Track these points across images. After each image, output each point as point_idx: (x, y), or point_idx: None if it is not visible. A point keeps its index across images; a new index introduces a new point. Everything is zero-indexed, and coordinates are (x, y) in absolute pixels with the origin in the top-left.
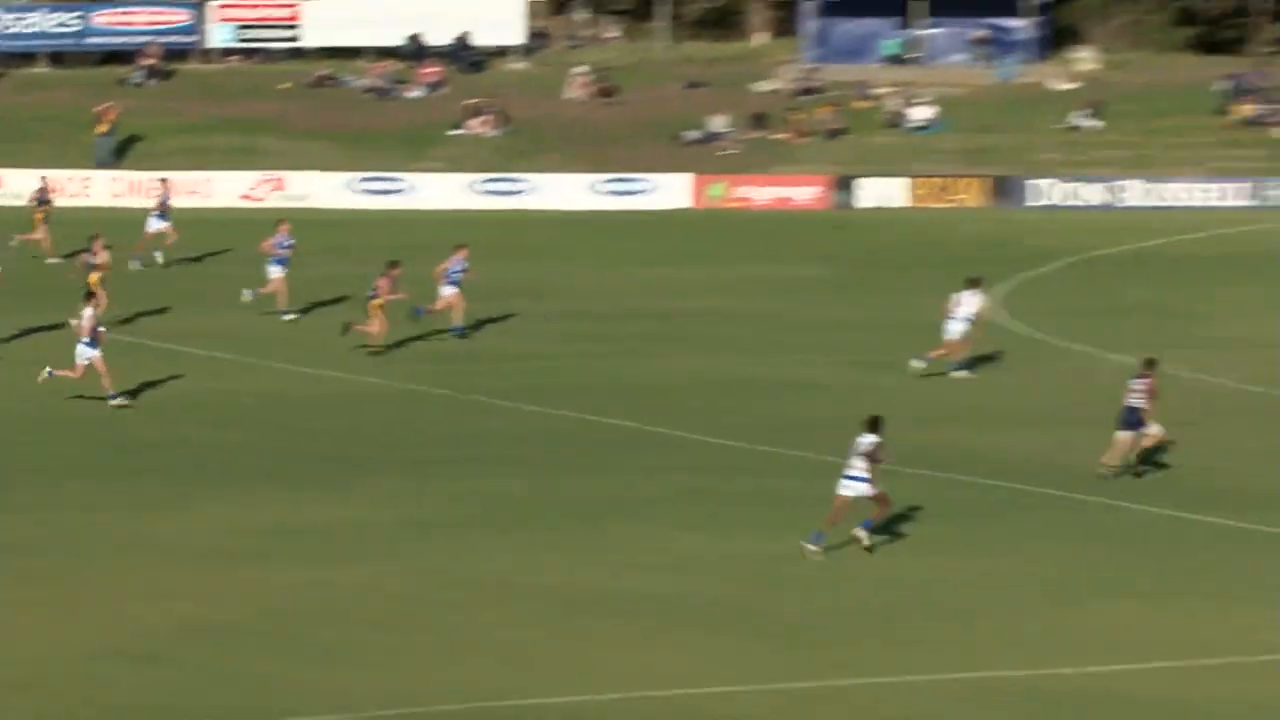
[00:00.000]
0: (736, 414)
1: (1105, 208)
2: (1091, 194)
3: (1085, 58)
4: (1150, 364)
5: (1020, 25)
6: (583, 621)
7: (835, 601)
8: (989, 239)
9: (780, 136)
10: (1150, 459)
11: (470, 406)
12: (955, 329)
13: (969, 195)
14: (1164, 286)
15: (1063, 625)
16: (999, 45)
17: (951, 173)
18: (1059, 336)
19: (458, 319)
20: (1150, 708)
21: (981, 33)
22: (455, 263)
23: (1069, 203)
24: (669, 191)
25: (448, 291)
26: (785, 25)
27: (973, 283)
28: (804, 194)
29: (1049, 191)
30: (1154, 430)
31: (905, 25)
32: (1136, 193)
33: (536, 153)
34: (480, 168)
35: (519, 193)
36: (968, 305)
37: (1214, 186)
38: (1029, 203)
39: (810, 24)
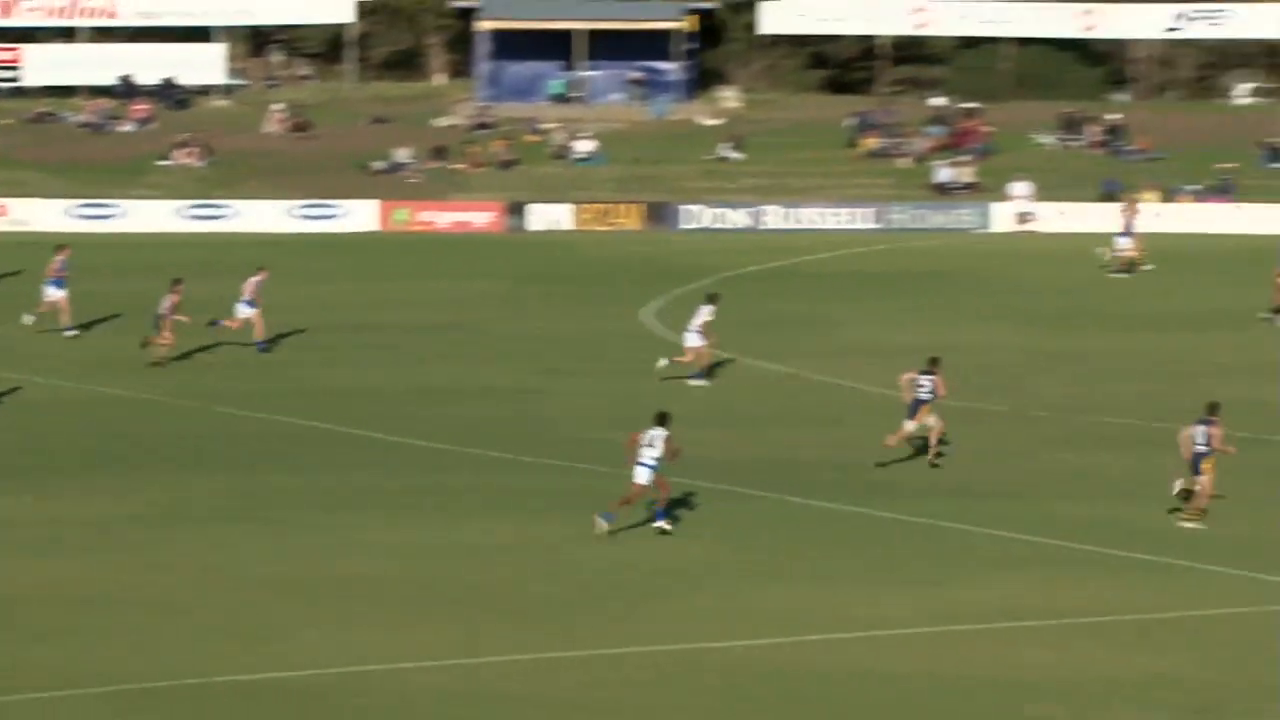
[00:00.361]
0: (435, 417)
1: (748, 230)
2: (736, 218)
3: (729, 97)
4: (933, 362)
5: (671, 68)
6: (298, 604)
7: (544, 581)
8: (646, 258)
9: (458, 167)
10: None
11: (183, 411)
12: (691, 339)
13: (628, 219)
14: (801, 300)
15: (725, 605)
16: (652, 86)
17: (612, 199)
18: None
19: (260, 334)
20: (781, 677)
21: (637, 74)
22: (252, 285)
23: (716, 226)
24: (358, 216)
25: (247, 311)
26: (461, 67)
27: (710, 298)
28: (480, 218)
29: (698, 216)
30: (907, 428)
31: (569, 67)
32: (776, 217)
33: (238, 181)
34: (187, 195)
35: (223, 217)
36: (701, 318)
37: (844, 211)
38: (681, 226)
39: (484, 66)
